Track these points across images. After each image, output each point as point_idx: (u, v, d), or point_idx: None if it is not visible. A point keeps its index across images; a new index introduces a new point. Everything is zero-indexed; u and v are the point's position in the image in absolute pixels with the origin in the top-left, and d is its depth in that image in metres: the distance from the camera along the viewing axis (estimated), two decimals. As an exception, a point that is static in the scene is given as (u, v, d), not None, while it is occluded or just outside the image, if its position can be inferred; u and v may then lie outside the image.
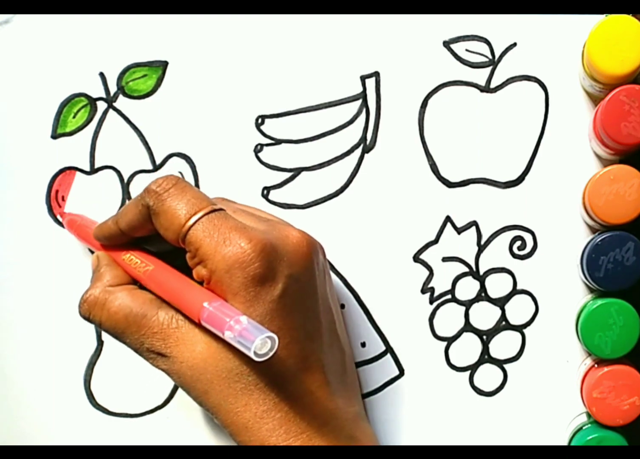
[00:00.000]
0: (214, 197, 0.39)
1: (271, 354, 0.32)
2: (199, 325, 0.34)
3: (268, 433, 0.34)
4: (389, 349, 0.43)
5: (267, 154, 0.43)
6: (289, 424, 0.34)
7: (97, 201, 0.43)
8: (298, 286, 0.35)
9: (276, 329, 0.33)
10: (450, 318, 0.43)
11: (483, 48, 0.42)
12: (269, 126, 0.43)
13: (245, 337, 0.31)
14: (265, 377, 0.34)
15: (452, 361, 0.43)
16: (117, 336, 0.36)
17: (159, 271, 0.37)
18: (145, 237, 0.38)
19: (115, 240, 0.39)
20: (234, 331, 0.32)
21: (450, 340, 0.43)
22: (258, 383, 0.34)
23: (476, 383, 0.43)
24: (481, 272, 0.43)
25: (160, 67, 0.43)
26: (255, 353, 0.31)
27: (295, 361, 0.34)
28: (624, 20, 0.37)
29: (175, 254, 0.37)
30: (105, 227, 0.39)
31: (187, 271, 0.36)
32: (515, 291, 0.42)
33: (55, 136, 0.43)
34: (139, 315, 0.35)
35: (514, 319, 0.42)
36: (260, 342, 0.31)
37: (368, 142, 0.42)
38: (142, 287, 0.37)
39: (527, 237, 0.42)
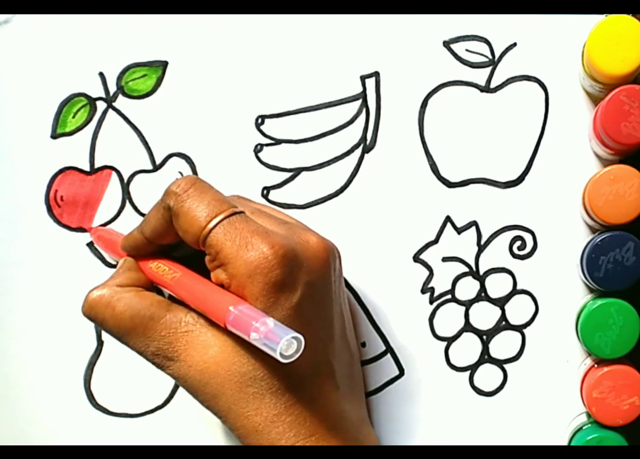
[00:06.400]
0: (229, 195, 0.39)
1: (297, 356, 0.31)
2: (212, 328, 0.34)
3: (278, 436, 0.34)
4: (389, 349, 0.43)
5: (267, 154, 0.43)
6: (299, 427, 0.34)
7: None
8: (315, 293, 0.35)
9: None
10: (450, 318, 0.43)
11: (483, 48, 0.42)
12: (269, 126, 0.43)
13: (271, 338, 0.31)
14: (278, 381, 0.34)
15: (452, 361, 0.43)
16: (120, 337, 0.36)
17: (186, 277, 0.36)
18: (171, 245, 0.38)
19: (142, 250, 0.38)
20: (260, 333, 0.31)
21: (450, 340, 0.43)
22: (270, 388, 0.34)
23: (476, 383, 0.43)
24: (481, 272, 0.43)
25: (160, 67, 0.43)
26: (281, 354, 0.31)
27: (308, 366, 0.34)
28: (624, 20, 0.37)
29: (196, 258, 0.36)
30: (131, 238, 0.38)
31: (206, 274, 0.35)
32: (515, 291, 0.42)
33: (54, 135, 0.43)
34: (146, 317, 0.35)
35: (514, 319, 0.42)
36: (286, 344, 0.31)
37: (368, 142, 0.42)
38: (151, 289, 0.37)
39: (527, 237, 0.42)
